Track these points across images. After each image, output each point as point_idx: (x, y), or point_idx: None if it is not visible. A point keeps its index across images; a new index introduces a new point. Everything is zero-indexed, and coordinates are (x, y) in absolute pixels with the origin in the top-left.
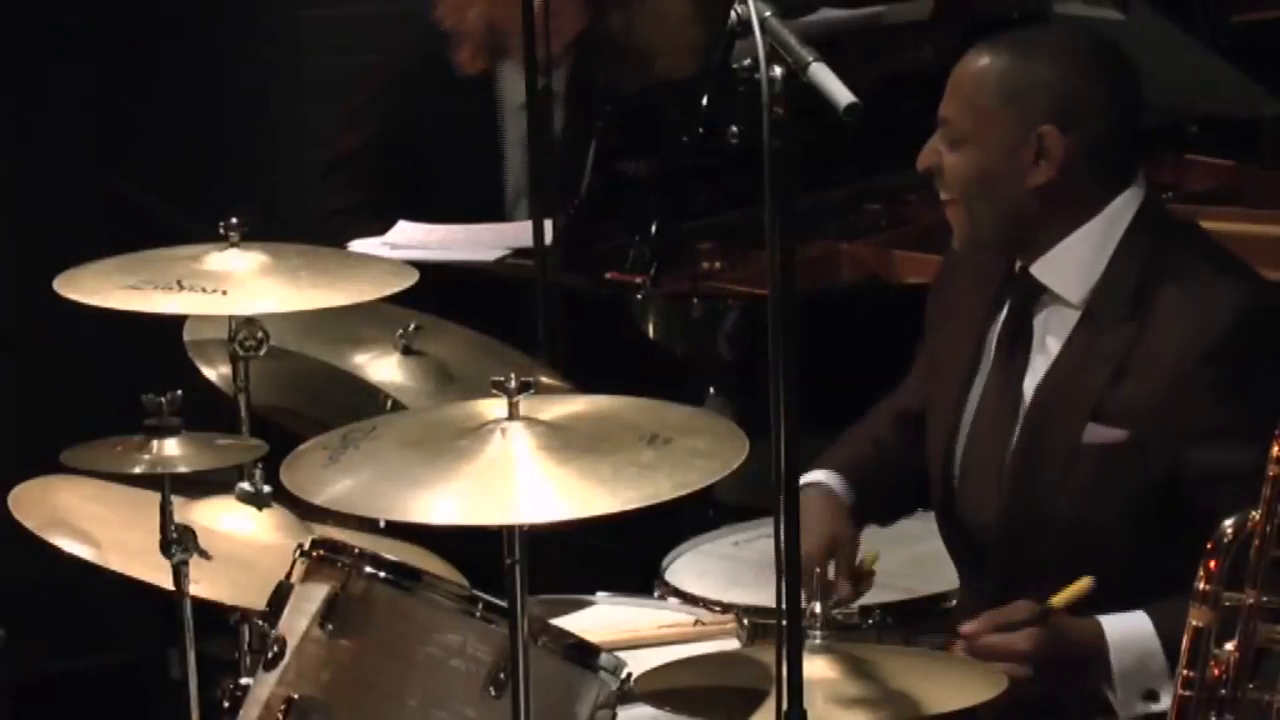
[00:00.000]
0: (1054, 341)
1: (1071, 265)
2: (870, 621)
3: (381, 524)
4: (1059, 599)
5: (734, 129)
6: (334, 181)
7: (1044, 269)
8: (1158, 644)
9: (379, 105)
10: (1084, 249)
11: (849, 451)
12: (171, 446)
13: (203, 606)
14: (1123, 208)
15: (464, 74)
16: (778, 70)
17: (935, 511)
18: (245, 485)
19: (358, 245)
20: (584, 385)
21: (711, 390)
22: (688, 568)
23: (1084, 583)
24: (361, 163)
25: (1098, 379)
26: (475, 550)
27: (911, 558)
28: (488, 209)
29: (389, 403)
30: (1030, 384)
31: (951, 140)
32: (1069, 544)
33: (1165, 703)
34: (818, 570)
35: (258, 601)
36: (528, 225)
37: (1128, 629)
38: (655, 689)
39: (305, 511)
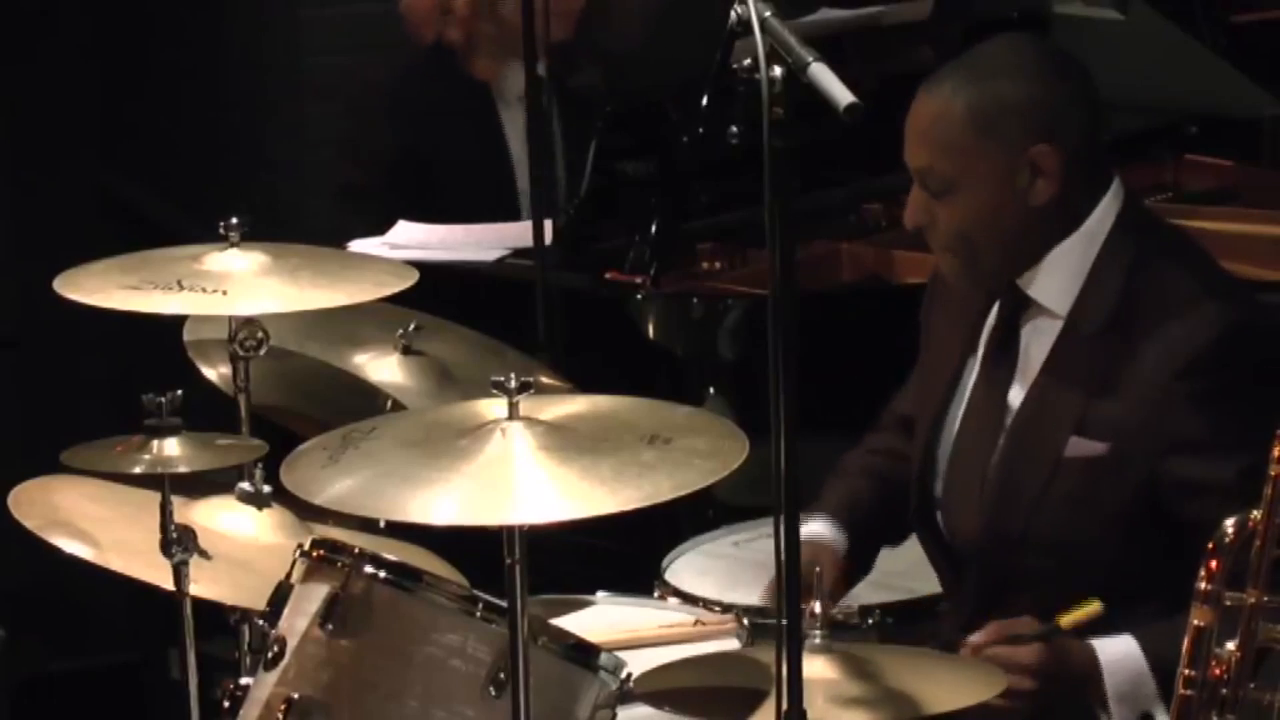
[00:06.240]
0: (1039, 353)
1: (1057, 277)
2: (870, 621)
3: (381, 524)
4: (1067, 619)
5: (734, 129)
6: (345, 211)
7: (1030, 282)
8: (1148, 667)
9: (379, 131)
10: (1069, 260)
11: (841, 492)
12: (171, 446)
13: (203, 606)
14: (1103, 215)
15: (479, 79)
16: (778, 70)
17: (914, 520)
18: (245, 485)
19: (358, 245)
20: (584, 385)
21: (711, 390)
22: (688, 568)
23: (1094, 606)
24: (371, 192)
25: (1080, 392)
26: (475, 550)
27: (911, 558)
28: (502, 206)
29: (389, 403)
30: (1015, 396)
31: (938, 191)
32: (1050, 556)
33: None
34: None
35: (258, 601)
36: (528, 225)
37: (1118, 653)
38: (655, 689)
39: (305, 511)
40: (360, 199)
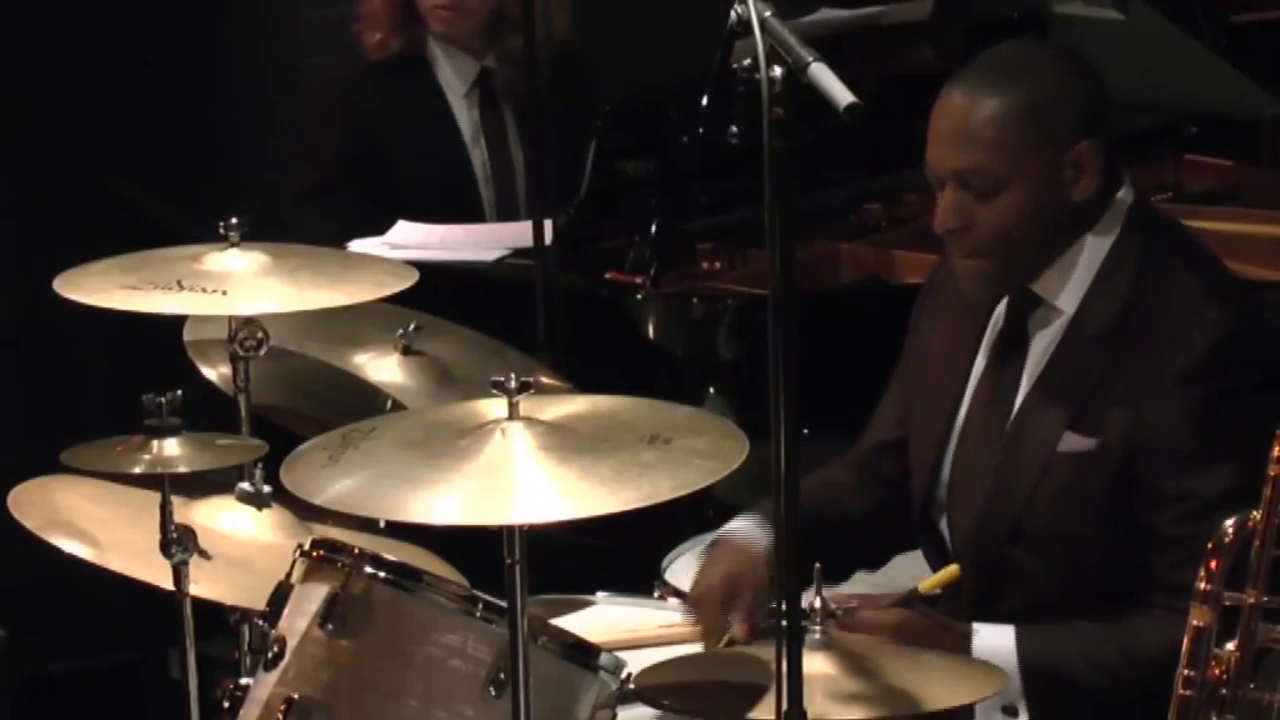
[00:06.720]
0: (1045, 351)
1: (1068, 276)
2: None
3: (381, 524)
4: (925, 584)
5: (734, 129)
6: (304, 213)
7: (1042, 282)
8: (1015, 662)
9: (330, 131)
10: (1081, 259)
11: None
12: (171, 446)
13: (203, 606)
14: (1115, 214)
15: (374, 58)
16: (778, 70)
17: (916, 521)
18: (245, 485)
19: (358, 245)
20: (584, 385)
21: (711, 390)
22: (688, 568)
23: (951, 570)
24: (328, 193)
25: (1082, 390)
26: (475, 550)
27: (911, 558)
28: (462, 201)
29: (389, 403)
30: (1022, 393)
31: (985, 191)
32: (1044, 553)
33: None
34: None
35: (258, 601)
36: (528, 225)
37: (992, 642)
38: (654, 687)
39: (305, 511)
40: (322, 199)
